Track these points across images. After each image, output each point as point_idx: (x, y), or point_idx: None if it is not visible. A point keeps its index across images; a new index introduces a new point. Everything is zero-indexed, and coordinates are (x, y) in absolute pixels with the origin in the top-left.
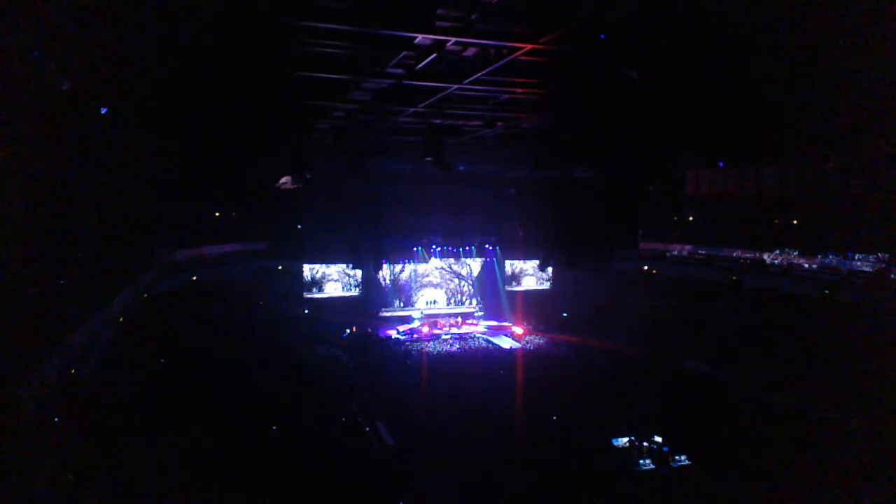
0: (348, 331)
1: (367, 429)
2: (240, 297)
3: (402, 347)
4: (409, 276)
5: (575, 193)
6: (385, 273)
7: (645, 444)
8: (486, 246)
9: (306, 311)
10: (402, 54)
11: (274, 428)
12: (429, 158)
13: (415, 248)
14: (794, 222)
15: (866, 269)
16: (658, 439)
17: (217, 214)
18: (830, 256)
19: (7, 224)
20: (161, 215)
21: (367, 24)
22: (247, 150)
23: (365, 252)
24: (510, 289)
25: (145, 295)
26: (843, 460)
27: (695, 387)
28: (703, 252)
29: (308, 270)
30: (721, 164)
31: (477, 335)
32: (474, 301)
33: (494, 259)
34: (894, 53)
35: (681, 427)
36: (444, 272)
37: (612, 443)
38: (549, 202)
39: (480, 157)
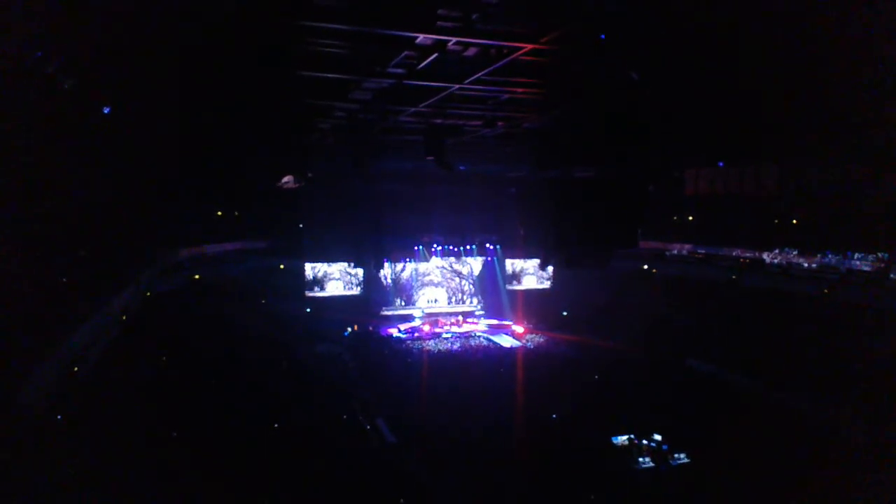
0: (349, 329)
1: (368, 427)
2: (241, 296)
3: (403, 346)
4: (410, 275)
5: (575, 193)
6: (386, 272)
7: (644, 442)
8: (487, 245)
9: (307, 310)
10: (402, 54)
11: (275, 426)
12: (430, 158)
13: (416, 247)
14: (794, 222)
15: (865, 268)
16: (658, 437)
17: (219, 213)
18: (829, 256)
19: (7, 224)
20: (163, 214)
21: (367, 24)
22: (248, 150)
23: (366, 251)
24: (511, 288)
25: (147, 294)
26: (841, 458)
27: (694, 385)
28: (703, 251)
29: (309, 269)
30: (721, 164)
31: (477, 334)
32: (475, 300)
33: (495, 258)
34: (894, 52)
35: (680, 425)
36: (444, 271)
37: (611, 441)
38: (550, 202)
39: (481, 157)
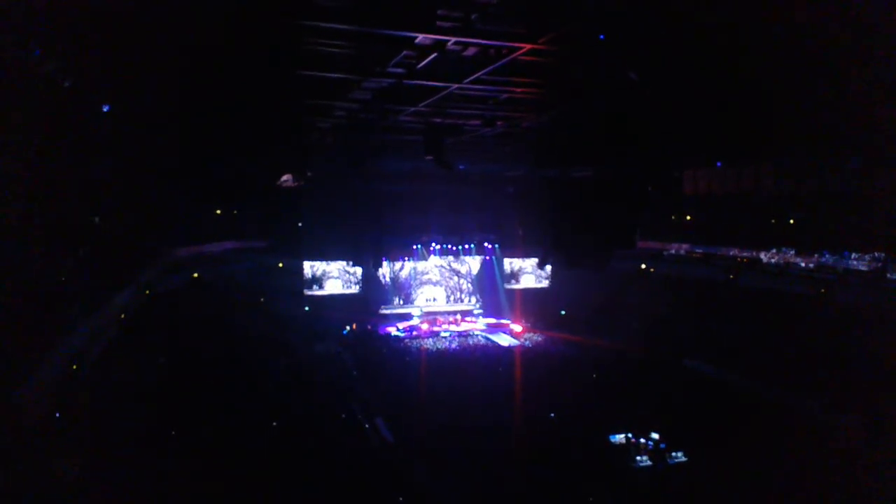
0: (348, 328)
1: (367, 425)
2: (240, 295)
3: (402, 344)
4: (409, 274)
5: (574, 192)
6: (385, 271)
7: (642, 441)
8: (486, 244)
9: (306, 309)
10: (402, 54)
11: (274, 424)
12: (429, 157)
13: (414, 246)
14: (791, 221)
15: (862, 268)
16: (655, 436)
17: (218, 212)
18: (827, 255)
19: (7, 223)
20: (162, 213)
21: (367, 24)
22: (248, 149)
23: (365, 250)
24: (509, 287)
25: (146, 293)
26: (839, 457)
27: (692, 384)
28: (701, 251)
29: (308, 268)
30: (719, 164)
31: (476, 333)
32: (473, 299)
33: (493, 257)
34: (894, 52)
35: (678, 424)
36: (443, 270)
37: (609, 440)
38: (549, 201)
39: (480, 157)
